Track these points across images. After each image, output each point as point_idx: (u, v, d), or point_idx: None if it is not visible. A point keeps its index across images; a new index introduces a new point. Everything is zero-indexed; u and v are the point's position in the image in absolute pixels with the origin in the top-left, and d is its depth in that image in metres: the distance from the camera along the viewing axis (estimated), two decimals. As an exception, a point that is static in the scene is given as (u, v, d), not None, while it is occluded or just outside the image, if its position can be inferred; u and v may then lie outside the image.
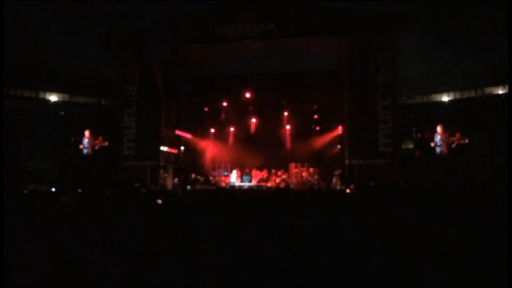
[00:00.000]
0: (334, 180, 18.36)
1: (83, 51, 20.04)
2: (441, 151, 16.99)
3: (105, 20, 19.87)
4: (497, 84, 16.73)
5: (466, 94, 17.61)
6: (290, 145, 21.11)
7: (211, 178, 21.15)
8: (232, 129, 22.23)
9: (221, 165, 21.78)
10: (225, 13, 17.48)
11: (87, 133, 18.80)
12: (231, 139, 22.13)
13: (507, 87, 16.26)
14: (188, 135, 21.74)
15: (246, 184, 19.87)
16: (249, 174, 20.54)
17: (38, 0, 19.57)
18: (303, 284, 3.29)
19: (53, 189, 12.96)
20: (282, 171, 20.66)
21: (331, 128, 20.11)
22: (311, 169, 20.22)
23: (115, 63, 18.87)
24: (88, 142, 18.78)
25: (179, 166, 20.67)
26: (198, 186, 19.36)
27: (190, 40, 17.73)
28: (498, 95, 16.71)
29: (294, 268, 3.42)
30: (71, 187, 12.39)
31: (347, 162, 17.29)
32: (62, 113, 19.23)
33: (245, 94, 20.42)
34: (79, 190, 10.96)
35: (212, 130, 22.48)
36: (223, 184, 20.44)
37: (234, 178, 20.39)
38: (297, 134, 21.26)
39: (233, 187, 19.35)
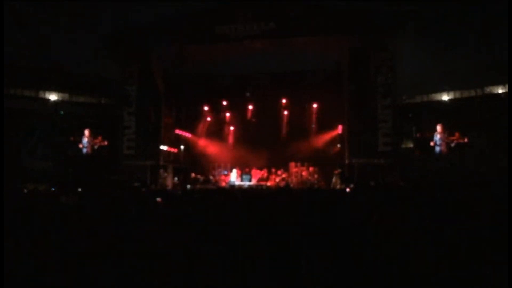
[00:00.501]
0: (334, 179, 18.38)
1: (83, 50, 20.02)
2: (440, 151, 17.01)
3: (105, 19, 19.87)
4: (497, 83, 16.73)
5: (466, 94, 17.61)
6: (290, 144, 21.10)
7: (211, 177, 21.15)
8: (232, 128, 22.23)
9: (221, 165, 21.78)
10: (225, 13, 17.49)
11: (86, 132, 18.81)
12: (231, 139, 22.13)
13: (507, 86, 16.26)
14: (188, 135, 21.74)
15: (246, 184, 19.88)
16: (249, 173, 20.54)
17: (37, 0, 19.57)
18: (303, 283, 3.29)
19: (53, 189, 12.96)
20: (282, 170, 20.66)
21: (331, 128, 20.11)
22: (311, 169, 20.23)
23: (115, 63, 18.88)
24: (88, 142, 18.79)
25: (179, 166, 20.69)
26: (198, 186, 19.37)
27: (190, 39, 17.74)
28: (498, 94, 16.71)
29: (294, 267, 3.42)
30: (71, 187, 12.39)
31: (347, 161, 17.31)
32: (62, 112, 19.23)
33: (245, 93, 20.41)
34: (79, 190, 10.96)
35: (212, 130, 22.47)
36: (223, 184, 20.45)
37: (234, 177, 20.40)
38: (297, 134, 21.25)
39: (233, 187, 19.36)
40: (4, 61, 15.91)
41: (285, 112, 21.31)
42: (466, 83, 17.61)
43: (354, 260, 3.39)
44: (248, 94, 20.60)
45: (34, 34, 20.11)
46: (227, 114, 21.91)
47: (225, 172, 21.32)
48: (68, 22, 20.50)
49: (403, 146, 17.92)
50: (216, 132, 22.35)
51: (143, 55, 18.35)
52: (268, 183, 19.99)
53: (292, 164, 20.68)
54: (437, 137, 17.06)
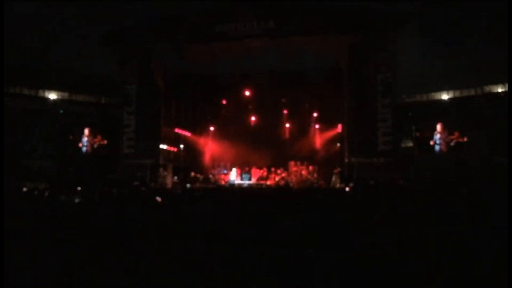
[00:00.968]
0: (333, 178, 18.39)
1: (83, 49, 19.98)
2: (440, 150, 17.01)
3: (104, 18, 19.82)
4: (497, 82, 16.72)
5: (465, 93, 17.60)
6: (290, 143, 21.12)
7: (210, 176, 21.16)
8: (231, 127, 22.23)
9: (221, 163, 21.79)
10: (225, 12, 17.46)
11: (86, 131, 18.79)
12: (230, 138, 22.14)
13: (507, 85, 16.25)
14: (187, 133, 21.74)
15: (245, 182, 19.88)
16: (249, 172, 20.55)
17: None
18: (303, 282, 3.29)
19: (53, 188, 12.95)
20: (281, 169, 20.67)
21: (331, 127, 20.13)
22: (310, 168, 20.24)
23: (114, 62, 18.84)
24: (88, 141, 18.78)
25: (178, 165, 20.68)
26: (197, 184, 19.36)
27: (190, 38, 17.72)
28: (498, 93, 16.70)
29: (294, 266, 3.42)
30: (70, 186, 12.38)
31: (346, 160, 17.31)
32: (62, 111, 19.22)
33: (244, 92, 20.42)
34: (79, 189, 10.95)
35: (212, 128, 22.48)
36: (223, 182, 20.45)
37: (233, 176, 20.40)
38: (296, 133, 21.27)
39: (232, 185, 19.37)
40: (4, 60, 15.88)
41: (285, 111, 21.31)
42: (466, 82, 17.60)
43: (354, 259, 3.39)
44: (247, 93, 20.59)
45: (34, 33, 20.07)
46: (227, 113, 21.89)
47: (225, 171, 21.33)
48: (68, 21, 20.46)
49: (403, 145, 17.91)
50: (216, 131, 22.36)
51: (143, 54, 18.33)
52: (268, 182, 20.00)
53: (292, 163, 20.69)
54: (437, 136, 17.07)
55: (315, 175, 19.97)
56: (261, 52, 18.67)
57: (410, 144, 18.19)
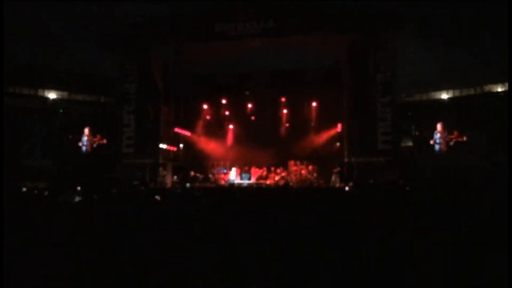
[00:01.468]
0: (333, 177, 18.40)
1: (82, 49, 19.99)
2: (440, 149, 17.02)
3: (104, 18, 19.82)
4: (496, 82, 16.73)
5: (465, 92, 17.62)
6: (289, 143, 21.11)
7: (210, 175, 21.16)
8: (231, 126, 22.23)
9: (220, 163, 21.78)
10: (224, 11, 17.48)
11: (86, 131, 18.79)
12: (230, 137, 22.13)
13: (506, 85, 16.27)
14: (187, 133, 21.73)
15: (245, 182, 19.88)
16: (248, 171, 20.54)
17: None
18: (303, 282, 3.28)
19: (52, 187, 12.95)
20: (281, 168, 20.67)
21: (330, 126, 20.13)
22: (310, 167, 20.24)
23: (114, 61, 18.84)
24: (87, 140, 18.79)
25: (178, 164, 20.68)
26: (197, 184, 19.36)
27: (189, 38, 17.73)
28: (498, 93, 16.72)
29: (293, 266, 3.42)
30: (70, 185, 12.38)
31: (346, 160, 17.32)
32: (61, 110, 19.22)
33: (244, 91, 20.40)
34: (78, 188, 10.95)
35: (211, 128, 22.47)
36: (222, 182, 20.45)
37: (233, 175, 20.39)
38: (296, 132, 21.26)
39: (232, 185, 19.36)
40: (3, 59, 15.87)
41: (284, 111, 21.31)
42: (465, 81, 17.62)
43: (353, 259, 3.39)
44: (247, 93, 20.59)
45: (33, 33, 20.07)
46: (226, 113, 21.90)
47: (225, 171, 21.32)
48: (68, 21, 20.46)
49: (403, 144, 17.93)
50: (216, 131, 22.35)
51: (143, 53, 18.32)
52: (268, 182, 20.00)
53: (292, 162, 20.68)
54: (437, 135, 17.08)
55: (315, 174, 19.97)
56: (261, 52, 18.68)
57: (410, 143, 18.21)
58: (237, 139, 21.80)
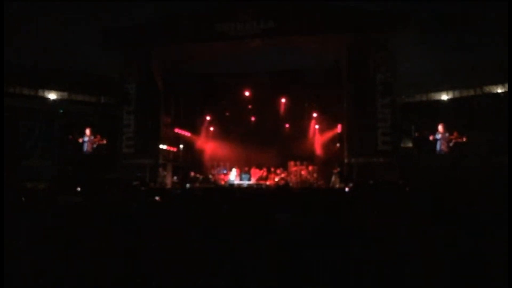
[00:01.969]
0: (333, 178, 18.39)
1: (83, 49, 20.00)
2: (441, 150, 17.02)
3: (104, 18, 19.83)
4: (496, 82, 16.73)
5: (465, 93, 17.61)
6: (289, 143, 21.12)
7: (210, 176, 21.16)
8: (231, 127, 22.23)
9: (220, 163, 21.78)
10: (224, 12, 17.47)
11: (87, 131, 18.79)
12: (230, 137, 22.14)
13: (506, 86, 16.26)
14: (187, 133, 21.73)
15: (245, 183, 19.88)
16: (248, 172, 20.55)
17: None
18: (303, 282, 3.29)
19: (52, 188, 12.95)
20: (281, 169, 20.67)
21: (330, 127, 20.13)
22: (310, 168, 20.24)
23: (114, 61, 18.84)
24: (88, 140, 18.78)
25: (178, 164, 20.69)
26: (197, 184, 19.37)
27: (189, 38, 17.72)
28: (498, 94, 16.71)
29: (293, 266, 3.42)
30: (70, 186, 12.37)
31: (346, 160, 17.31)
32: (61, 110, 19.21)
33: (244, 92, 20.42)
34: (78, 189, 10.94)
35: (211, 128, 22.48)
36: (222, 182, 20.46)
37: (233, 176, 20.40)
38: (296, 133, 21.26)
39: (232, 185, 19.36)
40: (4, 60, 15.86)
41: (284, 111, 21.31)
42: (465, 82, 17.62)
43: (353, 260, 3.39)
44: (247, 93, 20.59)
45: (34, 33, 20.07)
46: (226, 113, 21.89)
47: (224, 171, 21.32)
48: (68, 21, 20.47)
49: (402, 145, 17.92)
50: (215, 131, 22.35)
51: (143, 53, 18.30)
52: (267, 182, 20.00)
53: (291, 163, 20.69)
54: (439, 136, 17.08)
55: (315, 175, 19.97)
56: (260, 52, 18.69)
57: (410, 144, 18.21)
58: (237, 139, 21.80)
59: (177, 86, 20.31)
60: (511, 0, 12.66)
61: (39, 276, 3.33)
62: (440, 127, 17.09)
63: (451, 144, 16.83)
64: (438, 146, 17.11)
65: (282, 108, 21.19)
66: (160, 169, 18.63)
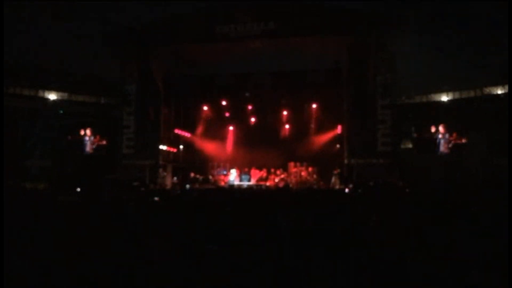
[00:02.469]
0: (333, 179, 18.39)
1: (83, 49, 20.00)
2: (442, 151, 17.01)
3: (104, 19, 19.85)
4: (496, 84, 16.72)
5: (465, 94, 17.60)
6: (289, 144, 21.10)
7: (210, 177, 21.14)
8: (231, 128, 22.23)
9: (220, 164, 21.76)
10: (225, 13, 17.50)
11: (88, 131, 18.78)
12: (230, 138, 22.12)
13: (506, 87, 16.25)
14: (187, 134, 21.73)
15: (245, 183, 19.86)
16: (248, 173, 20.53)
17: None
18: (302, 283, 3.29)
19: (52, 188, 12.96)
20: (281, 170, 20.65)
21: (330, 128, 20.12)
22: (310, 169, 20.22)
23: (114, 62, 18.85)
24: (88, 141, 18.77)
25: (178, 165, 20.68)
26: (197, 185, 19.36)
27: (190, 39, 17.74)
28: (498, 95, 16.70)
29: (293, 266, 3.42)
30: (70, 186, 12.39)
31: (346, 161, 17.32)
32: (61, 111, 19.20)
33: (244, 93, 20.41)
34: (78, 189, 10.96)
35: (211, 129, 22.46)
36: (222, 183, 20.43)
37: (233, 177, 20.38)
38: (296, 133, 21.26)
39: (232, 186, 19.35)
40: (4, 60, 15.87)
41: (285, 112, 21.31)
42: (465, 83, 17.60)
43: (353, 260, 3.39)
44: (247, 94, 20.59)
45: (34, 34, 20.09)
46: (227, 114, 21.89)
47: (224, 172, 21.30)
48: (68, 21, 20.48)
49: (402, 146, 17.91)
50: (216, 132, 22.34)
51: (143, 54, 18.31)
52: (267, 183, 19.98)
53: (291, 164, 20.67)
54: (439, 136, 17.08)
55: (315, 176, 19.96)
56: (261, 53, 18.70)
57: (410, 145, 18.18)
58: (237, 140, 21.79)
59: (177, 87, 20.31)
60: (511, 0, 12.69)
61: (39, 275, 3.33)
62: (441, 128, 17.09)
63: (449, 145, 16.83)
64: (439, 147, 17.09)
65: (282, 109, 21.19)
66: (160, 170, 18.63)
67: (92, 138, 18.83)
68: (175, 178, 19.77)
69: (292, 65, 19.56)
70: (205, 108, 21.68)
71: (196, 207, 6.37)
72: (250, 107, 21.34)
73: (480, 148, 16.35)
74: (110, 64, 19.19)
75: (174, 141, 20.68)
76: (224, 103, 21.41)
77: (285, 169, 20.76)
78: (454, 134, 16.74)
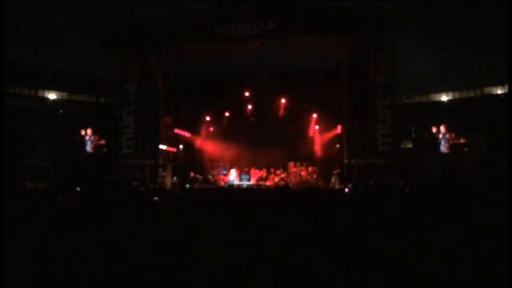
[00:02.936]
0: (333, 179, 18.39)
1: (83, 49, 20.03)
2: (443, 151, 17.02)
3: (105, 19, 19.87)
4: (496, 84, 16.72)
5: (465, 94, 17.60)
6: (289, 144, 21.10)
7: (210, 176, 21.15)
8: (231, 128, 22.22)
9: (220, 164, 21.77)
10: (225, 13, 17.49)
11: (89, 131, 18.79)
12: (230, 138, 22.12)
13: (506, 87, 16.26)
14: (187, 134, 21.72)
15: (245, 183, 19.87)
16: (248, 173, 20.53)
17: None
18: (302, 283, 3.29)
19: (52, 188, 12.96)
20: (281, 170, 20.66)
21: (330, 128, 20.12)
22: (310, 168, 20.23)
23: (114, 62, 18.85)
24: (88, 140, 18.78)
25: (178, 165, 20.68)
26: (197, 185, 19.37)
27: (190, 39, 17.74)
28: (498, 95, 16.71)
29: (293, 267, 3.42)
30: (70, 186, 12.38)
31: (346, 161, 17.32)
32: (61, 111, 19.20)
33: (244, 93, 20.41)
34: (78, 189, 10.95)
35: (211, 129, 22.47)
36: (222, 183, 20.44)
37: (233, 177, 20.38)
38: (296, 133, 21.25)
39: (232, 186, 19.35)
40: (4, 60, 15.87)
41: (285, 112, 21.30)
42: (465, 83, 17.61)
43: (353, 260, 3.39)
44: (247, 94, 20.59)
45: (34, 34, 20.09)
46: (227, 114, 21.89)
47: (224, 172, 21.31)
48: (68, 22, 20.50)
49: (402, 146, 17.92)
50: (215, 132, 22.34)
51: (143, 54, 18.31)
52: (267, 183, 19.99)
53: (291, 164, 20.67)
54: (440, 136, 17.09)
55: (315, 176, 19.96)
56: (261, 53, 18.70)
57: (410, 145, 18.19)
58: (237, 140, 21.78)
59: (177, 86, 20.31)
60: (511, 0, 12.69)
61: (38, 276, 3.33)
62: (442, 128, 17.10)
63: (450, 145, 16.84)
64: (440, 147, 17.10)
65: (282, 109, 21.19)
66: (160, 170, 18.63)
67: (92, 138, 18.84)
68: (175, 178, 19.77)
69: (292, 65, 19.57)
70: (205, 108, 21.66)
71: (196, 207, 6.37)
72: (250, 107, 21.34)
73: (480, 148, 16.35)
74: (110, 64, 19.20)
75: (174, 141, 20.68)
76: (224, 102, 21.40)
77: (285, 169, 20.76)
78: (452, 135, 16.77)
